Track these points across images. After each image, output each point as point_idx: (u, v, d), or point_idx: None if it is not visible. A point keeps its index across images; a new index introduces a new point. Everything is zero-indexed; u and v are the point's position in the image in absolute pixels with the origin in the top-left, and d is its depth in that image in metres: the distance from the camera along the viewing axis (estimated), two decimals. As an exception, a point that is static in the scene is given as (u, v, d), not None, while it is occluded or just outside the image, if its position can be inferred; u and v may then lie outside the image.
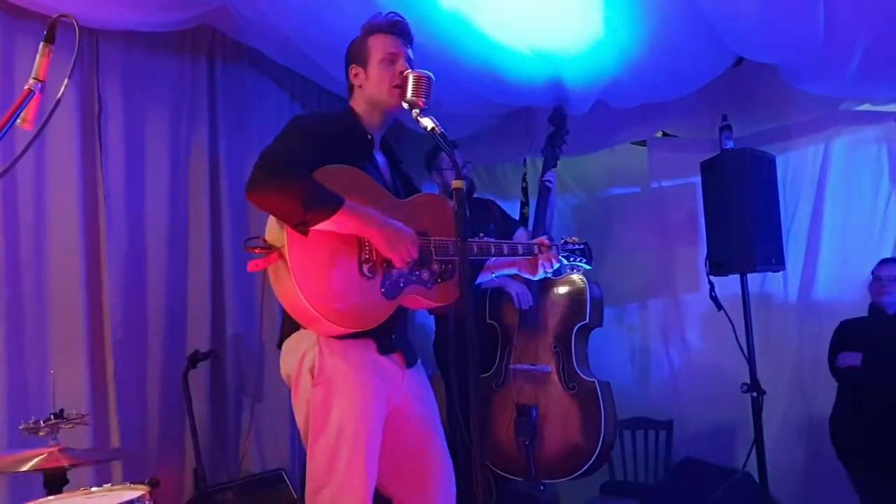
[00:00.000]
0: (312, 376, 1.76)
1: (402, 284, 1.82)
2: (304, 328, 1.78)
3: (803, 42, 2.85)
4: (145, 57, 3.13)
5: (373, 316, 1.78)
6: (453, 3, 2.83)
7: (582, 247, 2.24)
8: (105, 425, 2.86)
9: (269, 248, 1.71)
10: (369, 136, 1.95)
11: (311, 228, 1.66)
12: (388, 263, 1.80)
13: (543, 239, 2.20)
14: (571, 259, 2.21)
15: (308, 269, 1.67)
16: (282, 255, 1.68)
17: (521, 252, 2.14)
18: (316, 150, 1.75)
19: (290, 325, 1.82)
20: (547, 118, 3.51)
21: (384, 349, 1.85)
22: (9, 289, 2.68)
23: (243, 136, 3.44)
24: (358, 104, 1.97)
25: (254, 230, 3.39)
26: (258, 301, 3.29)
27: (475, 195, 3.59)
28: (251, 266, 1.72)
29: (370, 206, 1.77)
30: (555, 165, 3.45)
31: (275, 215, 1.72)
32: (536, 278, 2.21)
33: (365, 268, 1.77)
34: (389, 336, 1.86)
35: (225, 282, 3.31)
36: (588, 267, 2.24)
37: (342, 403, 1.74)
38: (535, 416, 3.14)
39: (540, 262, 2.14)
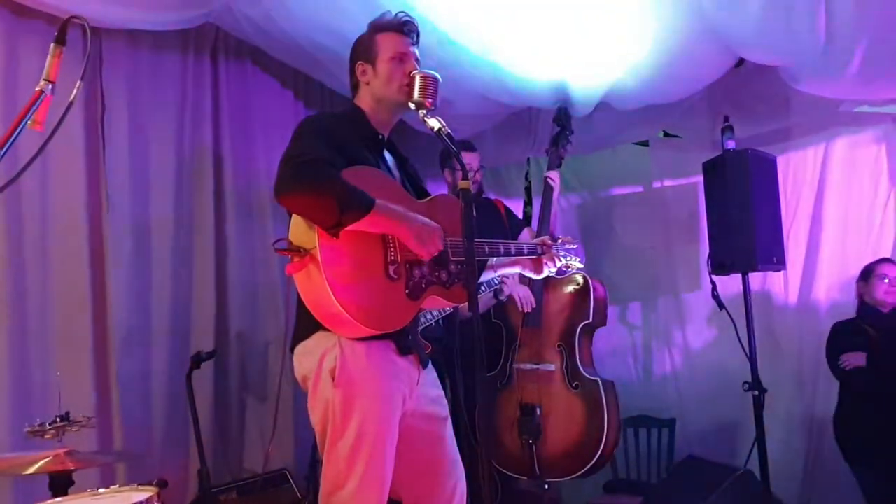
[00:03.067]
0: (333, 377, 1.74)
1: (423, 286, 1.83)
2: (325, 330, 1.76)
3: (804, 45, 2.87)
4: (149, 55, 3.12)
5: (399, 318, 1.78)
6: (457, 5, 2.83)
7: (577, 246, 2.30)
8: (109, 426, 2.85)
9: (298, 250, 1.69)
10: (381, 136, 1.95)
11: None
12: (411, 265, 1.80)
13: (546, 239, 2.24)
14: (567, 258, 2.26)
15: (339, 271, 1.66)
16: (312, 257, 1.67)
17: (526, 252, 2.17)
18: (338, 150, 1.74)
19: (306, 328, 1.80)
20: (552, 119, 3.51)
21: (403, 350, 1.84)
22: (13, 290, 2.67)
23: (247, 135, 3.44)
24: (364, 102, 1.95)
25: (257, 229, 3.41)
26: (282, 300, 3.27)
27: (483, 196, 3.59)
28: (289, 270, 1.70)
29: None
30: (559, 165, 3.45)
31: (309, 218, 1.69)
32: (540, 277, 2.24)
33: (391, 269, 1.76)
34: (407, 337, 1.86)
35: (229, 281, 3.30)
36: (581, 265, 2.30)
37: (364, 405, 1.74)
38: (538, 414, 3.15)
39: (544, 261, 2.18)
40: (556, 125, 3.49)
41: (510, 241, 2.14)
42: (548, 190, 3.38)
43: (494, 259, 2.15)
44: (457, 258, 1.89)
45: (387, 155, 1.98)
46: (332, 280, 1.64)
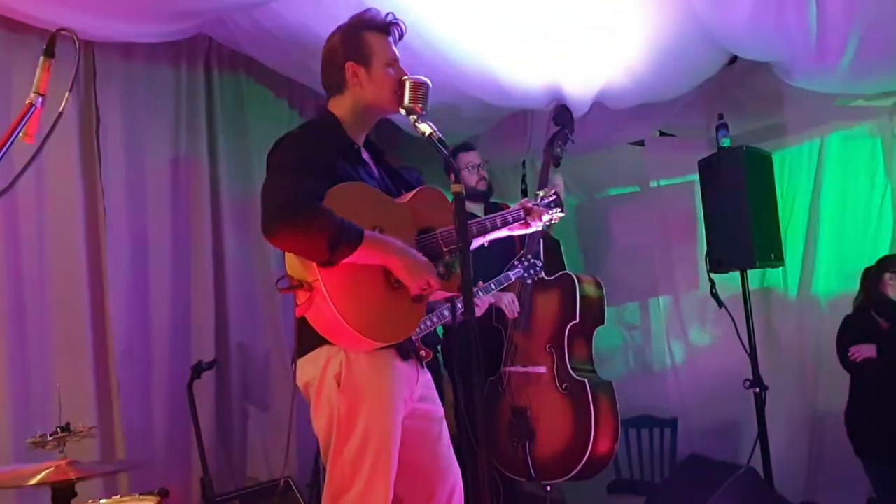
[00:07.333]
0: (338, 383, 1.74)
1: None
2: (332, 344, 1.75)
3: (796, 40, 2.87)
4: (143, 67, 3.14)
5: (408, 325, 1.80)
6: (450, 8, 2.84)
7: (555, 196, 2.26)
8: (111, 436, 2.86)
9: (301, 285, 1.70)
10: (356, 146, 1.91)
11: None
12: None
13: (526, 202, 2.19)
14: (551, 212, 2.22)
15: (345, 297, 1.66)
16: (316, 289, 1.67)
17: (511, 220, 2.13)
18: (319, 174, 1.72)
19: (310, 342, 1.78)
20: (551, 117, 3.47)
21: (404, 355, 1.85)
22: (11, 303, 2.69)
23: (242, 144, 3.45)
24: (343, 106, 1.88)
25: (255, 239, 3.41)
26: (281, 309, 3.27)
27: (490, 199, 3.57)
28: (300, 312, 1.72)
29: (379, 219, 1.77)
30: (557, 165, 3.40)
31: (300, 255, 1.68)
32: (530, 231, 2.22)
33: (392, 278, 1.77)
34: (409, 341, 1.87)
35: (228, 291, 3.30)
36: (563, 214, 2.26)
37: (369, 411, 1.74)
38: (528, 417, 3.13)
39: (530, 221, 2.14)
40: (556, 124, 3.43)
41: (495, 215, 2.11)
42: (546, 164, 3.33)
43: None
44: (449, 247, 1.87)
45: (365, 155, 1.95)
46: (341, 308, 1.64)
